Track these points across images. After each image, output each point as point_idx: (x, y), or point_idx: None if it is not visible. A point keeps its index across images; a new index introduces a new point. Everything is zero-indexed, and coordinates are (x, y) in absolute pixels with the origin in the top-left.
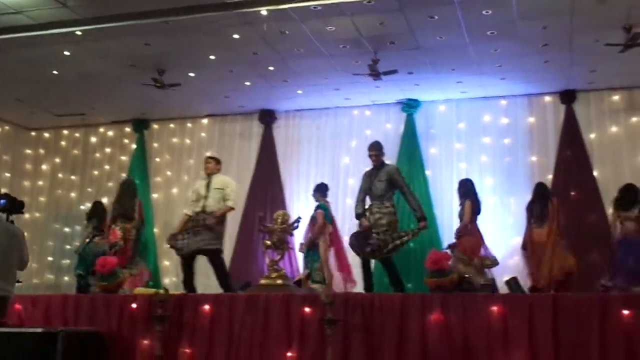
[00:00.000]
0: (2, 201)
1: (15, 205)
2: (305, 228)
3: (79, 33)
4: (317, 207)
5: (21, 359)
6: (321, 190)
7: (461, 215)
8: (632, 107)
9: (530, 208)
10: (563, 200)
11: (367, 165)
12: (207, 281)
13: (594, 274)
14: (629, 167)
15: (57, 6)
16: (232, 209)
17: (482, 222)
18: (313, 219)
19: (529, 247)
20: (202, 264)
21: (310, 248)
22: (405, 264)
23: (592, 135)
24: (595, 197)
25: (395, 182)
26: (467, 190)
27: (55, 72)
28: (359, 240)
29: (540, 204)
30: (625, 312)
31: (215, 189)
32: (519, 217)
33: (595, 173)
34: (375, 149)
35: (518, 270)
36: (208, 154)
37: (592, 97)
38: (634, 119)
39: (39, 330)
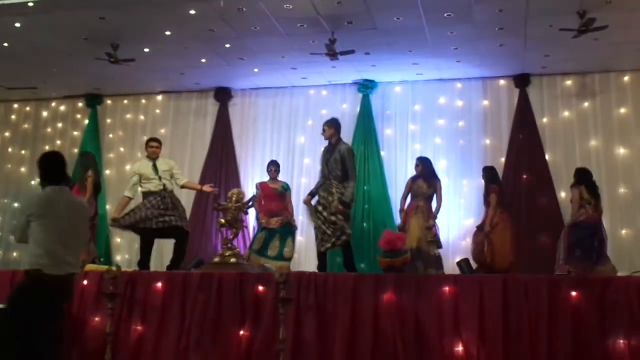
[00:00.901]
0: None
1: None
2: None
3: (30, 4)
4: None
5: None
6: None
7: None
8: (584, 92)
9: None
10: (515, 183)
11: (323, 144)
12: (160, 260)
13: (544, 257)
14: (580, 151)
15: None
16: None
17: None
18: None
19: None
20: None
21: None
22: (358, 244)
23: (545, 119)
24: (546, 180)
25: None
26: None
27: (5, 44)
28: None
29: (485, 189)
30: (573, 293)
31: (163, 171)
32: (471, 199)
33: (547, 156)
34: (326, 125)
35: (469, 251)
36: (152, 137)
37: (546, 81)
38: (586, 104)
39: None
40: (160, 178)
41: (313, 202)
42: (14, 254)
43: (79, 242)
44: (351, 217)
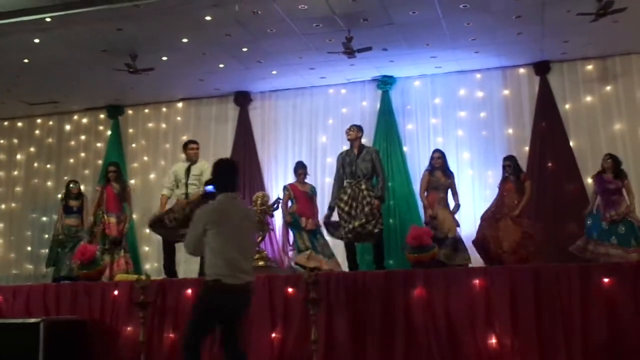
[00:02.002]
0: (211, 187)
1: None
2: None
3: (48, 20)
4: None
5: (3, 351)
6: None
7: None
8: (606, 76)
9: None
10: (540, 171)
11: (345, 143)
12: (187, 267)
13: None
14: (605, 136)
15: None
16: None
17: (460, 195)
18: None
19: None
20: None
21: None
22: (385, 241)
23: (567, 106)
24: (572, 167)
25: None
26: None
27: (25, 60)
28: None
29: (516, 176)
30: (606, 280)
31: (193, 175)
32: (496, 190)
33: (571, 143)
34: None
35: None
36: (190, 139)
37: (566, 67)
38: (608, 88)
39: (20, 320)
40: (186, 185)
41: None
42: (44, 270)
43: (252, 250)
44: None
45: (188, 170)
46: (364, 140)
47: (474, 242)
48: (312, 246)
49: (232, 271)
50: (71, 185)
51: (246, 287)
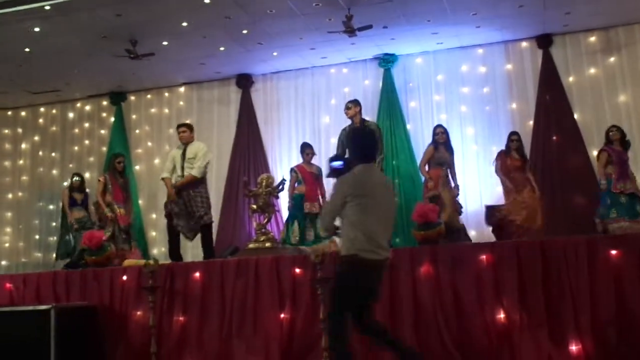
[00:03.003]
0: (339, 163)
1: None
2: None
3: (47, 8)
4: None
5: (15, 338)
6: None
7: None
8: (609, 47)
9: None
10: (545, 145)
11: (347, 122)
12: (197, 251)
13: (580, 217)
14: (609, 108)
15: None
16: (195, 177)
17: (465, 171)
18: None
19: None
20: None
21: None
22: None
23: (571, 79)
24: (577, 140)
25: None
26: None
27: (27, 49)
28: None
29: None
30: (613, 252)
31: (188, 159)
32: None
33: (575, 116)
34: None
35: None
36: (180, 123)
37: (569, 39)
38: (612, 59)
39: (31, 308)
40: (182, 168)
41: None
42: (54, 255)
43: (391, 223)
44: None
45: (183, 154)
46: (367, 119)
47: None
48: (298, 239)
49: (371, 246)
50: (75, 179)
51: (383, 262)
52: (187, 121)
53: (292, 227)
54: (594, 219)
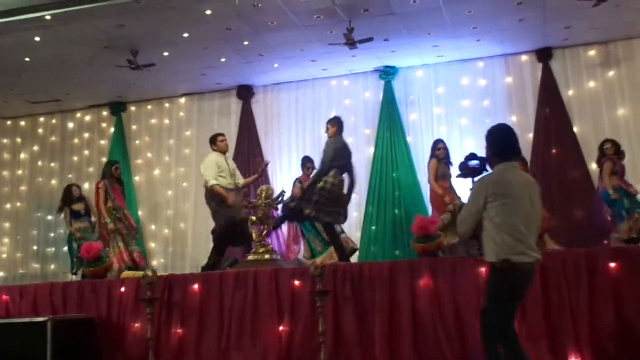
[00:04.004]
0: (476, 162)
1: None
2: None
3: (48, 17)
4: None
5: (12, 350)
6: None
7: None
8: (608, 61)
9: None
10: (544, 158)
11: (348, 135)
12: (196, 262)
13: (580, 229)
14: (608, 122)
15: None
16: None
17: (465, 184)
18: None
19: None
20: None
21: None
22: (391, 231)
23: (570, 92)
24: (576, 153)
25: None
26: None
27: (27, 59)
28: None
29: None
30: (612, 264)
31: (233, 168)
32: None
33: (575, 129)
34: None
35: None
36: (219, 132)
37: (568, 53)
38: (611, 73)
39: (27, 320)
40: (232, 175)
41: None
42: (52, 266)
43: (537, 224)
44: (380, 204)
45: (227, 162)
46: (367, 131)
47: None
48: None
49: (521, 247)
50: (73, 189)
51: (534, 265)
52: (188, 132)
53: (312, 237)
54: (608, 237)
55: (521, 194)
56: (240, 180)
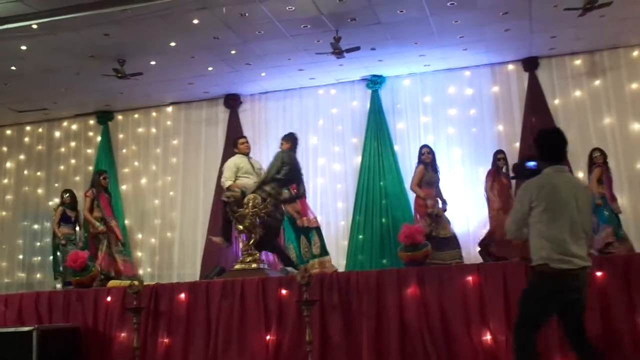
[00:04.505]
0: (533, 163)
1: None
2: None
3: (35, 27)
4: None
5: None
6: None
7: None
8: (594, 70)
9: None
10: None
11: (336, 144)
12: (183, 271)
13: None
14: (595, 130)
15: (11, 0)
16: None
17: (452, 193)
18: None
19: None
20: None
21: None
22: (379, 240)
23: (557, 101)
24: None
25: None
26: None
27: (13, 67)
28: None
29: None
30: (599, 273)
31: (257, 169)
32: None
33: None
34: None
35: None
36: (241, 135)
37: (554, 62)
38: (597, 82)
39: (13, 329)
40: (257, 175)
41: None
42: (37, 275)
43: (587, 230)
44: (368, 213)
45: (251, 164)
46: (355, 140)
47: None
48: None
49: (560, 254)
50: (66, 195)
51: (579, 272)
52: (175, 141)
53: (302, 242)
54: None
55: (567, 198)
56: None
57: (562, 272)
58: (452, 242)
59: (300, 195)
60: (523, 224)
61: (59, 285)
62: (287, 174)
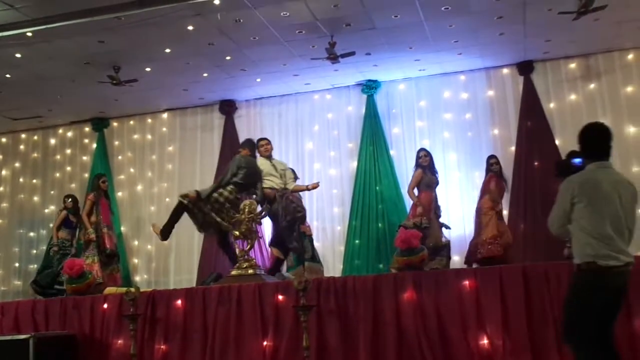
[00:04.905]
0: (579, 160)
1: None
2: None
3: (29, 34)
4: None
5: None
6: None
7: None
8: (589, 73)
9: None
10: (527, 171)
11: (331, 149)
12: (179, 278)
13: (562, 243)
14: None
15: (5, 8)
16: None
17: (448, 197)
18: None
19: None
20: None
21: None
22: (375, 244)
23: (552, 105)
24: None
25: None
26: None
27: (7, 75)
28: None
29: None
30: None
31: (281, 170)
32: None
33: (557, 142)
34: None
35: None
36: (261, 137)
37: (549, 66)
38: (592, 86)
39: (9, 337)
40: (280, 176)
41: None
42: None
43: (630, 227)
44: (364, 218)
45: (273, 165)
46: (350, 145)
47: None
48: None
49: (609, 250)
50: (69, 200)
51: (624, 269)
52: (170, 148)
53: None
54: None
55: (611, 195)
56: (291, 185)
57: (611, 269)
58: (440, 250)
59: (258, 201)
60: (566, 220)
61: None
62: (244, 177)
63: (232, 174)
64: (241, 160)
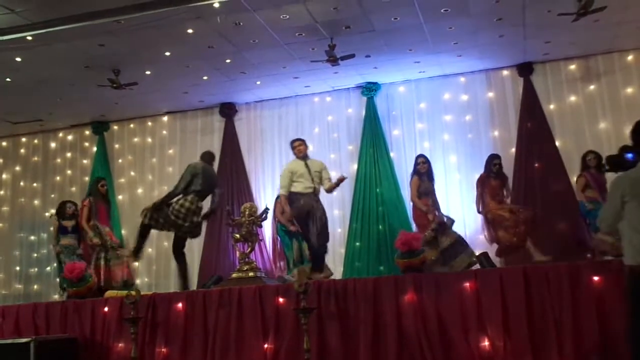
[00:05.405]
0: (631, 155)
1: None
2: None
3: (29, 38)
4: None
5: None
6: None
7: None
8: (589, 75)
9: None
10: (527, 172)
11: (331, 151)
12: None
13: (563, 243)
14: (590, 135)
15: (5, 12)
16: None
17: (449, 199)
18: None
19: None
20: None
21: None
22: (375, 247)
23: (552, 106)
24: (558, 166)
25: None
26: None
27: (8, 79)
28: None
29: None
30: (595, 278)
31: (315, 172)
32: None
33: (557, 143)
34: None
35: (487, 246)
36: (295, 138)
37: (549, 68)
38: (592, 87)
39: (10, 341)
40: (312, 179)
41: None
42: (35, 286)
43: None
44: (364, 220)
45: (307, 166)
46: (350, 148)
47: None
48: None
49: None
50: (68, 205)
51: None
52: (171, 151)
53: (294, 246)
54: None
55: None
56: (327, 184)
57: None
58: (457, 246)
59: (214, 209)
60: (617, 219)
61: (56, 296)
62: (202, 184)
63: (187, 183)
64: (196, 168)
